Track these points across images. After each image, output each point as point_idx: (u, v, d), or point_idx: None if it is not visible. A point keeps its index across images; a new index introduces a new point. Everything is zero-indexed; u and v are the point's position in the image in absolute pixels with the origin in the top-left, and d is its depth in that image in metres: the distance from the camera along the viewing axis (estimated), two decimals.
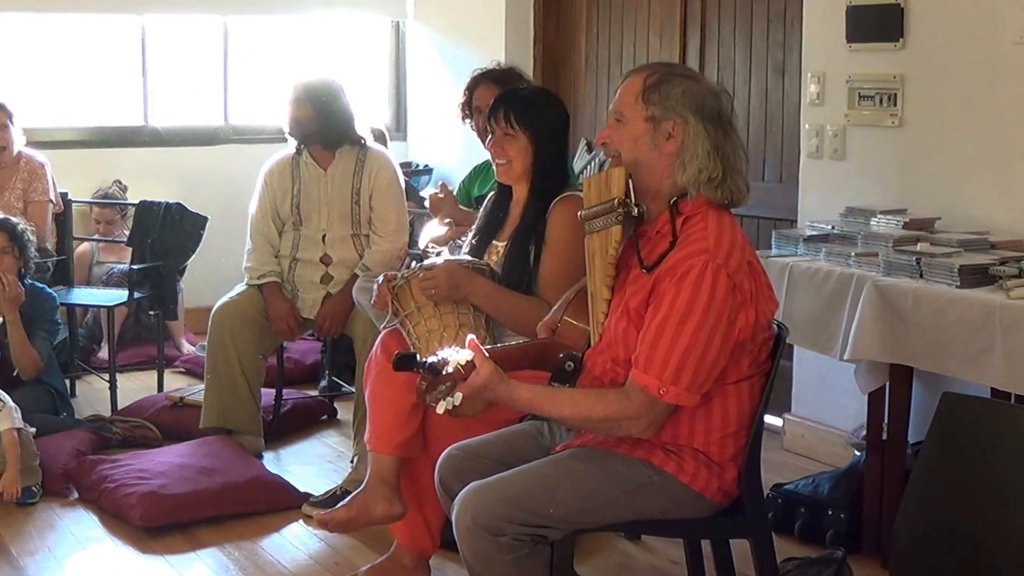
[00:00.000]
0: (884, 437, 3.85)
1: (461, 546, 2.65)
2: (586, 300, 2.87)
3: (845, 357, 3.78)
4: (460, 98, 4.68)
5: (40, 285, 5.12)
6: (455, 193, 4.86)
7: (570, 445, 2.82)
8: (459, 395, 2.59)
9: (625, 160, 2.73)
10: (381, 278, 3.65)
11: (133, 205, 6.02)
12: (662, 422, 2.66)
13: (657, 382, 2.58)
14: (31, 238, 5.04)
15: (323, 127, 4.77)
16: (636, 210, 2.72)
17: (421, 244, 4.44)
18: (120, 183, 6.76)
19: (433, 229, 4.51)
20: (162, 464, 4.39)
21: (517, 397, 2.65)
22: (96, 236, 6.60)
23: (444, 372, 2.56)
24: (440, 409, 2.61)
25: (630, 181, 2.72)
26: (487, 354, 2.62)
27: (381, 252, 4.77)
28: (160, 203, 5.72)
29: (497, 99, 3.69)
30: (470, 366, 2.58)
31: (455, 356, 2.58)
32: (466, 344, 2.63)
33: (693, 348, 2.57)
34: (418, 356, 2.59)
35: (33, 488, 4.34)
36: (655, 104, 2.68)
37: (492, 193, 3.87)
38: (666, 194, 2.72)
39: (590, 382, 2.77)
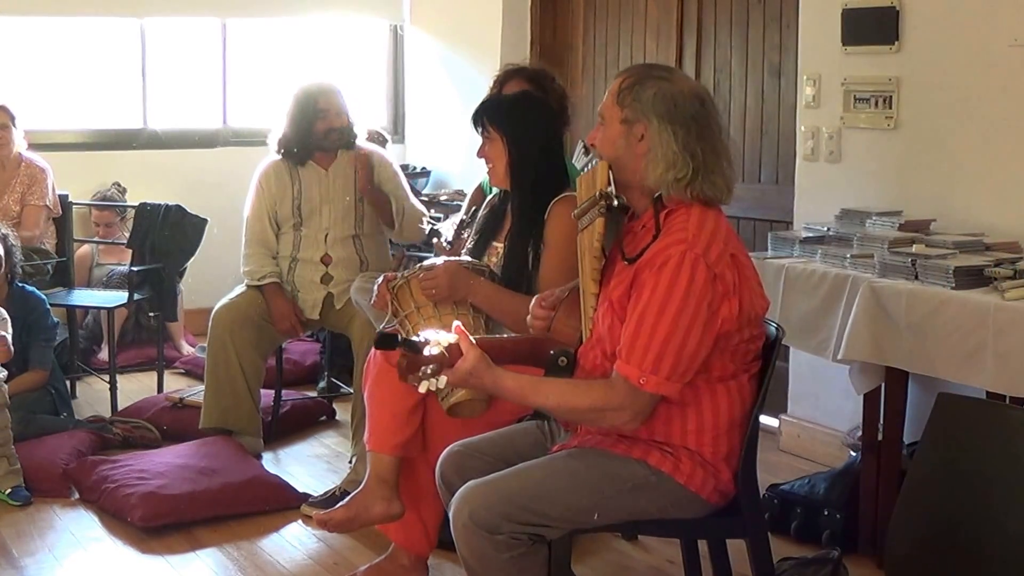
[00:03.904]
0: (880, 438, 3.87)
1: (458, 544, 2.66)
2: (579, 298, 2.90)
3: (837, 358, 3.80)
4: (489, 90, 4.48)
5: (30, 288, 5.12)
6: (480, 185, 4.93)
7: (567, 446, 2.84)
8: (443, 379, 2.61)
9: (605, 160, 2.77)
10: (381, 278, 3.68)
11: (133, 207, 6.04)
12: (648, 413, 2.67)
13: (637, 372, 2.60)
14: (15, 243, 5.05)
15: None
16: (616, 201, 2.75)
17: (445, 233, 4.45)
18: (119, 185, 6.78)
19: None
20: (162, 465, 4.41)
21: (502, 385, 2.66)
22: (96, 238, 6.62)
23: (426, 352, 2.58)
24: (422, 389, 2.63)
25: (610, 174, 2.75)
26: (473, 341, 2.65)
27: (413, 216, 4.86)
28: (160, 205, 5.74)
29: (477, 107, 3.76)
30: (456, 351, 2.61)
31: (437, 337, 2.60)
32: (452, 330, 2.65)
33: (672, 337, 2.58)
34: (399, 335, 2.61)
35: (22, 489, 4.35)
36: (627, 106, 2.72)
37: (491, 195, 3.92)
38: (648, 189, 2.75)
39: (584, 377, 2.79)
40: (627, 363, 2.61)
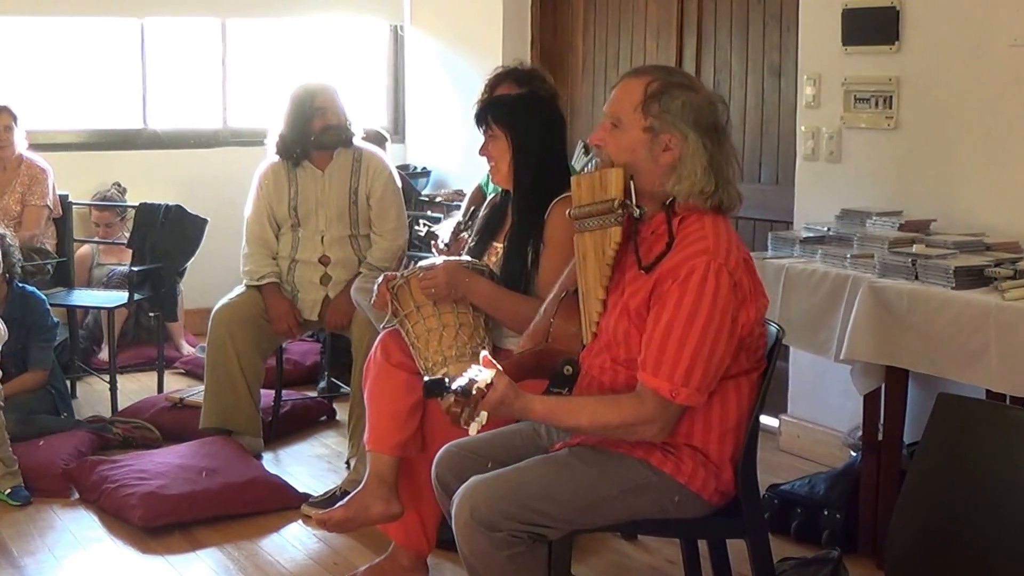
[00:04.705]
0: (880, 438, 3.87)
1: (459, 541, 2.67)
2: (576, 302, 2.89)
3: (840, 358, 3.80)
4: (480, 95, 4.44)
5: (30, 289, 5.11)
6: (480, 184, 4.92)
7: (569, 443, 2.84)
8: (484, 414, 2.59)
9: (618, 165, 2.74)
10: (381, 278, 3.68)
11: (133, 207, 6.04)
12: (674, 424, 2.68)
13: (669, 384, 2.60)
14: (12, 243, 5.04)
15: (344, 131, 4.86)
16: (638, 212, 2.74)
17: (442, 234, 4.44)
18: (119, 185, 6.78)
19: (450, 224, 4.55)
20: (162, 465, 4.41)
21: (532, 410, 2.66)
22: (96, 238, 6.62)
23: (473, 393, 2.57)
24: (473, 431, 2.62)
25: (632, 184, 2.73)
26: (500, 369, 2.64)
27: (382, 250, 4.83)
28: (160, 205, 5.74)
29: (480, 105, 3.75)
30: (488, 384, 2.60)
31: (480, 376, 2.59)
32: (480, 361, 2.65)
33: (702, 348, 2.59)
34: (446, 381, 2.60)
35: (22, 488, 4.35)
36: (654, 116, 2.68)
37: (492, 195, 3.92)
38: (660, 196, 2.73)
39: (588, 383, 2.79)
40: (656, 376, 2.61)
